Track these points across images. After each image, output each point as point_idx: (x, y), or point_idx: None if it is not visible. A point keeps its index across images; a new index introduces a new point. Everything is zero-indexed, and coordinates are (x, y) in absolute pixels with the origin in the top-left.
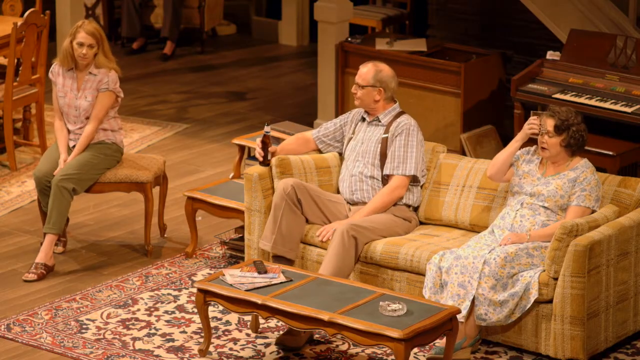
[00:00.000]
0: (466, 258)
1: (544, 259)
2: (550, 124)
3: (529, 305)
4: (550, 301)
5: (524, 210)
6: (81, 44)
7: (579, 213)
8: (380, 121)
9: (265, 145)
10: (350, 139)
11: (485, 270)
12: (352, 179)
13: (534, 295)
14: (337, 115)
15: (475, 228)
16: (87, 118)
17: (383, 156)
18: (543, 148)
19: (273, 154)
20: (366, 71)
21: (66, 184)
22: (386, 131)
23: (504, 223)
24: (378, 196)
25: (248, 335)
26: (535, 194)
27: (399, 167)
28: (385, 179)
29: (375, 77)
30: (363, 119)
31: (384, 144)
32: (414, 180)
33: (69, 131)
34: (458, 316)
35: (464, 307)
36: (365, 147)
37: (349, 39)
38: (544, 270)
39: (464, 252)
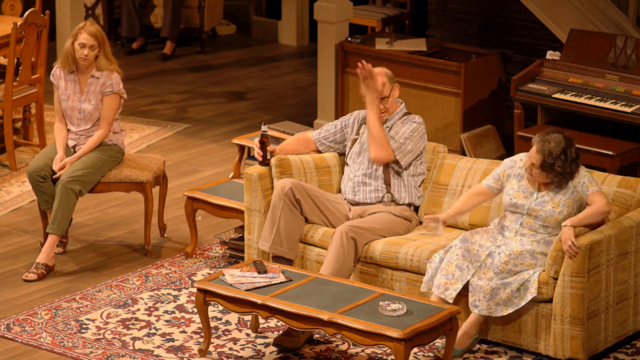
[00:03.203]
0: (472, 244)
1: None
2: (537, 158)
3: (523, 303)
4: (550, 301)
5: (524, 229)
6: (83, 45)
7: (597, 195)
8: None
9: (263, 144)
10: (355, 140)
11: (487, 261)
12: (355, 179)
13: (532, 293)
14: (337, 116)
15: (475, 228)
16: (92, 120)
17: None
18: (531, 174)
19: (272, 153)
20: (381, 81)
21: (74, 185)
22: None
23: (509, 234)
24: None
25: (248, 335)
26: (532, 213)
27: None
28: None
29: (390, 78)
30: None
31: None
32: (410, 172)
33: (69, 132)
34: (446, 296)
35: (455, 289)
36: None
37: (349, 38)
38: (544, 270)
39: (472, 237)
